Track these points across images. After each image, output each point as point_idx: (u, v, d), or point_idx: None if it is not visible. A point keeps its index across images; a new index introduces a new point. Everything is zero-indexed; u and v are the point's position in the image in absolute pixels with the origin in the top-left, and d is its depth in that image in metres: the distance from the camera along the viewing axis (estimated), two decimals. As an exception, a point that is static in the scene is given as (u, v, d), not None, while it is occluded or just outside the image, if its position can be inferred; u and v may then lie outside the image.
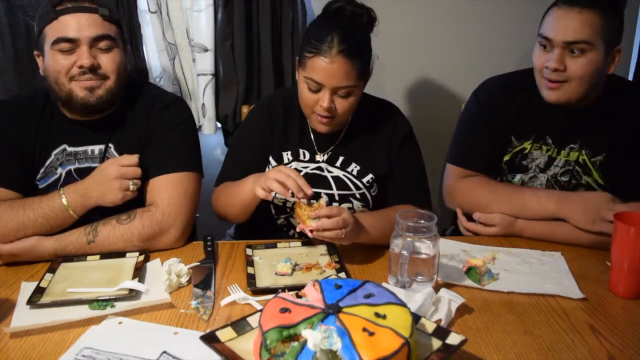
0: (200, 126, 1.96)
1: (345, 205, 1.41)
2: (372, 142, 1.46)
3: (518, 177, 1.54)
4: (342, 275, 1.18)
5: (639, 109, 1.45)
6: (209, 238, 1.34)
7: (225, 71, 1.91)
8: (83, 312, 1.03)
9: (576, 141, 1.48)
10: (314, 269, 1.22)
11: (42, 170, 1.38)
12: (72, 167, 1.38)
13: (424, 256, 1.11)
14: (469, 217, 1.50)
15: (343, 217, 1.18)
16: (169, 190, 1.34)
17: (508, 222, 1.42)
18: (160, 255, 1.27)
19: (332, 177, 1.44)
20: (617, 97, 1.45)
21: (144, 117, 1.41)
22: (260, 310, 0.85)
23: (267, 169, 1.46)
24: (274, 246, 1.33)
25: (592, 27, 1.32)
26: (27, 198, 1.28)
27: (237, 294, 1.10)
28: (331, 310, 0.81)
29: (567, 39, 1.33)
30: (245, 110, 1.85)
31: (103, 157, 1.39)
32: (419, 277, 1.12)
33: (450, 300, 1.03)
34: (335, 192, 1.42)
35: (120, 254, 1.27)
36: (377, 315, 0.80)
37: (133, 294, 1.08)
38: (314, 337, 0.75)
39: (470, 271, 1.18)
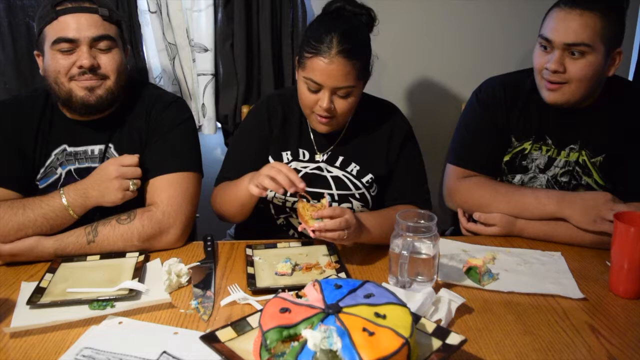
0: (200, 126, 1.96)
1: (344, 205, 1.41)
2: (372, 142, 1.46)
3: (518, 177, 1.54)
4: (342, 275, 1.18)
5: (639, 110, 1.45)
6: (209, 238, 1.34)
7: (225, 71, 1.91)
8: (83, 312, 1.03)
9: (576, 142, 1.48)
10: (314, 269, 1.22)
11: (42, 170, 1.38)
12: (72, 167, 1.38)
13: (424, 256, 1.11)
14: (469, 217, 1.50)
15: (346, 217, 1.17)
16: (169, 190, 1.34)
17: (508, 222, 1.42)
18: (160, 255, 1.27)
19: (332, 177, 1.44)
20: (617, 97, 1.45)
21: (144, 117, 1.41)
22: (260, 310, 0.85)
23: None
24: (274, 246, 1.33)
25: (593, 29, 1.32)
26: (27, 198, 1.28)
27: (237, 294, 1.10)
28: (331, 310, 0.81)
29: (567, 41, 1.33)
30: (245, 110, 1.85)
31: (103, 157, 1.39)
32: (419, 277, 1.12)
33: (450, 300, 1.03)
34: (334, 192, 1.42)
35: (120, 254, 1.27)
36: (377, 315, 0.80)
37: (133, 294, 1.08)
38: (314, 337, 0.75)
39: (470, 271, 1.18)
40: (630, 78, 2.12)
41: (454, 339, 0.83)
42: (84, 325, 1.00)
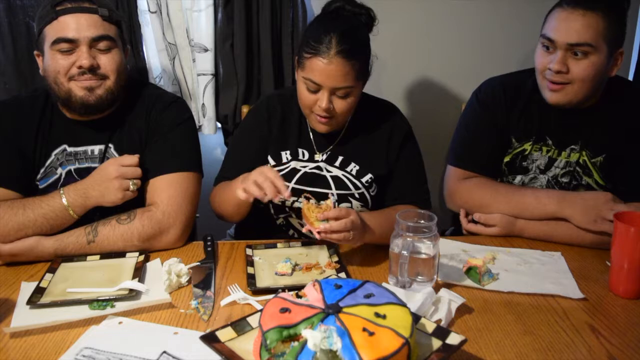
0: (200, 126, 1.96)
1: (344, 205, 1.41)
2: (372, 142, 1.46)
3: (518, 178, 1.54)
4: (342, 275, 1.18)
5: (639, 110, 1.45)
6: (209, 238, 1.34)
7: (225, 71, 1.91)
8: (83, 312, 1.03)
9: (577, 142, 1.48)
10: (314, 269, 1.22)
11: (42, 171, 1.38)
12: (72, 167, 1.38)
13: (424, 256, 1.11)
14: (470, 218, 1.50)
15: (351, 218, 1.17)
16: (169, 190, 1.34)
17: (508, 222, 1.42)
18: (160, 255, 1.27)
19: (331, 176, 1.44)
20: (617, 97, 1.45)
21: (144, 117, 1.41)
22: (260, 310, 0.85)
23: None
24: (274, 246, 1.33)
25: (596, 29, 1.32)
26: (27, 198, 1.28)
27: (237, 294, 1.10)
28: (331, 310, 0.81)
29: (570, 41, 1.33)
30: (245, 110, 1.85)
31: (103, 157, 1.39)
32: (419, 277, 1.12)
33: (450, 300, 1.03)
34: (334, 191, 1.42)
35: (120, 254, 1.27)
36: (377, 315, 0.80)
37: (133, 294, 1.08)
38: (314, 337, 0.75)
39: (470, 271, 1.18)
40: (630, 78, 2.12)
41: (454, 339, 0.83)
42: (84, 325, 1.00)
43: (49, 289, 1.11)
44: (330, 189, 1.42)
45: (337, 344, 0.74)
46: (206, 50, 1.88)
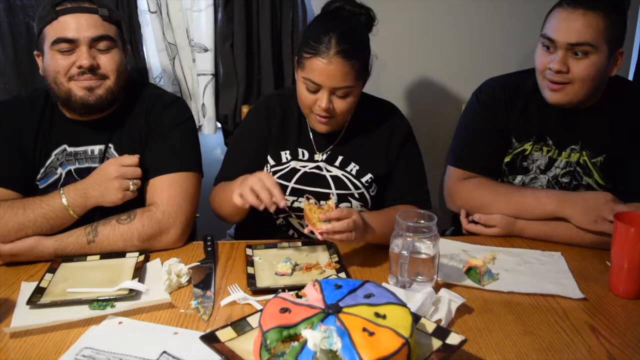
0: (200, 126, 1.96)
1: (343, 205, 1.41)
2: (372, 142, 1.46)
3: (519, 178, 1.54)
4: (342, 275, 1.18)
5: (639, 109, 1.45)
6: (209, 238, 1.34)
7: (225, 71, 1.91)
8: (83, 312, 1.03)
9: (577, 142, 1.48)
10: (314, 269, 1.22)
11: (42, 171, 1.38)
12: (72, 167, 1.38)
13: (424, 256, 1.11)
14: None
15: (353, 219, 1.17)
16: (169, 190, 1.34)
17: (508, 223, 1.42)
18: (160, 255, 1.27)
19: (331, 176, 1.44)
20: (617, 97, 1.45)
21: (144, 117, 1.41)
22: (260, 310, 0.85)
23: (264, 168, 1.46)
24: (274, 246, 1.33)
25: (596, 29, 1.32)
26: (27, 198, 1.28)
27: (237, 294, 1.10)
28: (331, 310, 0.81)
29: (570, 41, 1.33)
30: (245, 110, 1.85)
31: (103, 157, 1.39)
32: (419, 277, 1.12)
33: (450, 300, 1.03)
34: (334, 191, 1.42)
35: (120, 254, 1.27)
36: (377, 315, 0.80)
37: (133, 294, 1.08)
38: (314, 337, 0.75)
39: (470, 271, 1.18)
40: (630, 78, 2.12)
41: (454, 339, 0.83)
42: (84, 325, 1.00)
43: (49, 289, 1.11)
44: (330, 188, 1.42)
45: (337, 344, 0.74)
46: (206, 50, 1.88)
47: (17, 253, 1.22)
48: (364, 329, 0.76)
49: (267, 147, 1.47)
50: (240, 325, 0.87)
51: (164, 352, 0.91)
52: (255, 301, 1.07)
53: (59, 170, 1.38)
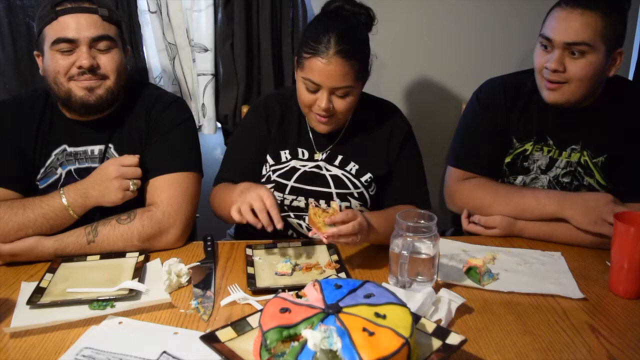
0: (200, 126, 1.96)
1: (343, 204, 1.41)
2: (371, 142, 1.46)
3: (519, 178, 1.54)
4: (342, 275, 1.18)
5: (639, 110, 1.45)
6: (209, 238, 1.35)
7: (225, 71, 1.91)
8: (83, 312, 1.03)
9: (577, 142, 1.47)
10: (314, 269, 1.22)
11: (42, 171, 1.38)
12: (72, 167, 1.38)
13: (424, 256, 1.11)
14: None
15: (358, 221, 1.16)
16: (169, 190, 1.34)
17: (508, 224, 1.42)
18: (160, 255, 1.27)
19: (331, 175, 1.44)
20: (618, 97, 1.45)
21: (144, 117, 1.41)
22: (260, 310, 0.85)
23: (264, 168, 1.46)
24: (274, 246, 1.33)
25: (594, 28, 1.31)
26: (27, 198, 1.28)
27: (237, 294, 1.10)
28: (331, 310, 0.81)
29: (567, 40, 1.33)
30: (245, 110, 1.85)
31: (103, 157, 1.39)
32: (419, 277, 1.12)
33: (450, 300, 1.03)
34: (333, 190, 1.42)
35: (120, 254, 1.27)
36: (377, 315, 0.80)
37: (133, 294, 1.08)
38: (314, 337, 0.75)
39: (470, 271, 1.18)
40: (630, 78, 2.12)
41: (454, 339, 0.83)
42: (84, 325, 1.00)
43: (49, 289, 1.11)
44: (330, 188, 1.42)
45: (337, 344, 0.74)
46: (206, 50, 1.88)
47: (17, 253, 1.22)
48: (364, 329, 0.76)
49: (266, 147, 1.47)
50: (240, 325, 0.87)
51: (164, 352, 0.91)
52: (255, 301, 1.07)
53: (59, 170, 1.38)
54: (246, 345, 0.84)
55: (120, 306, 1.05)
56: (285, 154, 1.46)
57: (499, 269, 1.23)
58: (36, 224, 1.23)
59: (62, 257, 1.24)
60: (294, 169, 1.43)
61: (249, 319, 0.89)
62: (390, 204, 1.44)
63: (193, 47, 1.90)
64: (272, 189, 1.42)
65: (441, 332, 0.85)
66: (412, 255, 1.08)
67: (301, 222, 1.45)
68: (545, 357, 0.92)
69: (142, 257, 1.24)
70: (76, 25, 1.29)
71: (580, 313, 1.06)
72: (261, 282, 1.15)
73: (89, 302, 1.06)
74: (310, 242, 1.35)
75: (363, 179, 1.44)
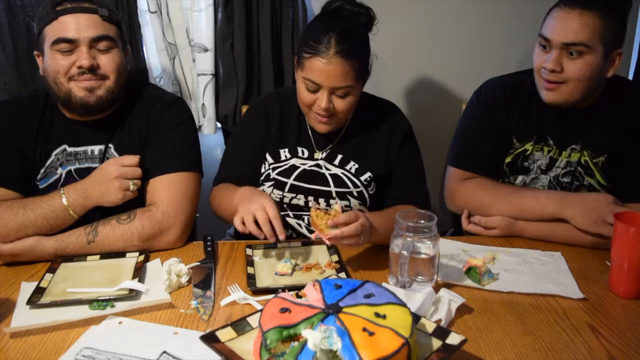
0: (200, 126, 1.96)
1: (343, 203, 1.41)
2: (371, 141, 1.46)
3: (520, 178, 1.54)
4: (342, 275, 1.18)
5: (639, 110, 1.45)
6: (209, 238, 1.34)
7: (225, 71, 1.91)
8: (83, 312, 1.03)
9: (578, 142, 1.47)
10: (314, 269, 1.22)
11: (42, 171, 1.38)
12: (72, 168, 1.38)
13: (424, 256, 1.11)
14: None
15: (361, 222, 1.16)
16: (169, 190, 1.34)
17: (508, 224, 1.42)
18: (160, 255, 1.27)
19: (330, 174, 1.44)
20: (618, 97, 1.45)
21: (144, 117, 1.41)
22: (260, 310, 0.85)
23: (263, 167, 1.46)
24: (274, 246, 1.33)
25: (592, 29, 1.31)
26: (27, 198, 1.28)
27: (237, 294, 1.10)
28: (331, 310, 0.81)
29: (565, 40, 1.33)
30: (245, 110, 1.85)
31: (103, 157, 1.39)
32: (419, 277, 1.12)
33: (450, 300, 1.03)
34: (332, 189, 1.42)
35: (120, 254, 1.27)
36: (377, 315, 0.80)
37: (133, 294, 1.08)
38: (314, 337, 0.75)
39: (470, 271, 1.18)
40: (630, 78, 2.12)
41: (454, 339, 0.83)
42: (84, 325, 1.00)
43: (49, 289, 1.11)
44: (329, 186, 1.42)
45: (337, 344, 0.74)
46: (206, 50, 1.88)
47: (17, 253, 1.22)
48: (364, 329, 0.76)
49: (265, 147, 1.47)
50: (240, 325, 0.87)
51: (164, 352, 0.91)
52: (255, 301, 1.07)
53: (59, 170, 1.38)
54: (246, 345, 0.84)
55: (120, 306, 1.05)
56: (284, 153, 1.46)
57: (499, 269, 1.23)
58: (36, 224, 1.23)
59: (62, 257, 1.24)
60: (294, 167, 1.43)
61: (249, 319, 0.89)
62: (390, 203, 1.44)
63: (193, 47, 1.90)
64: (272, 187, 1.42)
65: (441, 332, 0.85)
66: (412, 255, 1.08)
67: (300, 222, 1.45)
68: (545, 357, 0.92)
69: (142, 257, 1.24)
70: (76, 25, 1.29)
71: (580, 313, 1.06)
72: (261, 282, 1.15)
73: (89, 302, 1.06)
74: (310, 242, 1.35)
75: (362, 178, 1.44)
